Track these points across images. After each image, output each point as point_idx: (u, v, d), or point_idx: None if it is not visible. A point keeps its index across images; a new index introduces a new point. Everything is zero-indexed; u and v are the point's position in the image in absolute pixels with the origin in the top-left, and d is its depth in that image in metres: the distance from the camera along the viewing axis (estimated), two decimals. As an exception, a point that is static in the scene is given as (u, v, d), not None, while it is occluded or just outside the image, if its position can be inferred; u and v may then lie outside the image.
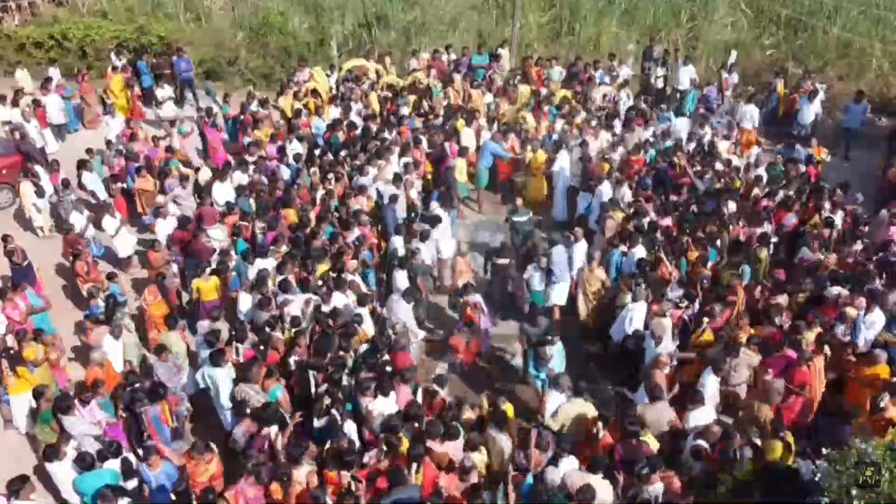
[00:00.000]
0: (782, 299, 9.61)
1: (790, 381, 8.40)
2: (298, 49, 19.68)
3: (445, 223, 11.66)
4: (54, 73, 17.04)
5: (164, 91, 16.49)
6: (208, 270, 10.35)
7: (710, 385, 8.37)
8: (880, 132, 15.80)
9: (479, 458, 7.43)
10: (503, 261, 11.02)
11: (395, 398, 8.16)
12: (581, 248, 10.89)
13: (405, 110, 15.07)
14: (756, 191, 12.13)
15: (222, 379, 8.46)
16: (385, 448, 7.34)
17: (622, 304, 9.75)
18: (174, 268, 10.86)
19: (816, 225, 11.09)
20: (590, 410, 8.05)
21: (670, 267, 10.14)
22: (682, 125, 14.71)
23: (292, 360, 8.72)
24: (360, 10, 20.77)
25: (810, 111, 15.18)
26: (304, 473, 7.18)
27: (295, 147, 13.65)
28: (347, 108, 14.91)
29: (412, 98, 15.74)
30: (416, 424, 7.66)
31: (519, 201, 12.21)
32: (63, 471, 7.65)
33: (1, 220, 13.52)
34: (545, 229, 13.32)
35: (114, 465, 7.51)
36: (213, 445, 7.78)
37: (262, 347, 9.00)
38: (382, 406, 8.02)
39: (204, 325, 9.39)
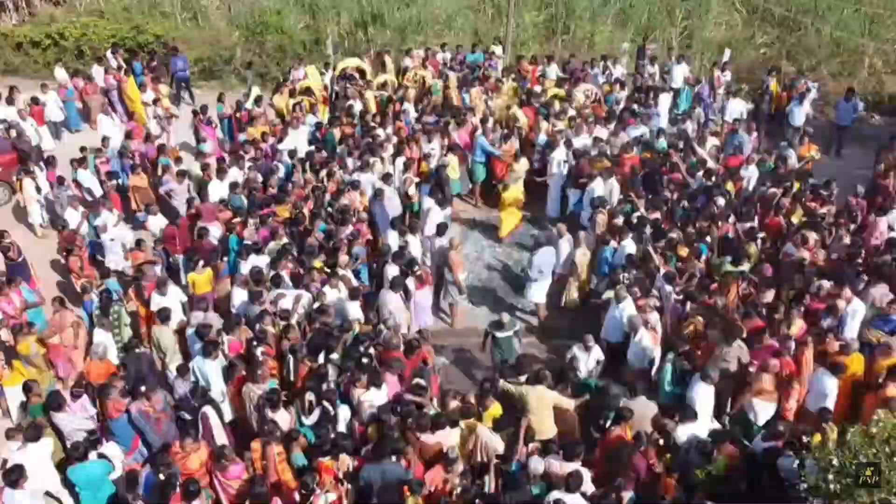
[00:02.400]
0: (770, 294, 9.68)
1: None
2: (294, 48, 19.77)
3: (439, 217, 11.72)
4: (98, 71, 17.17)
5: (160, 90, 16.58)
6: (201, 263, 10.41)
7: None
8: (873, 130, 15.88)
9: (455, 435, 7.51)
10: None
11: (386, 390, 8.24)
12: (567, 241, 10.96)
13: (408, 107, 15.10)
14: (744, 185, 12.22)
15: (213, 371, 8.55)
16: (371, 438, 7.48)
17: (607, 298, 9.82)
18: (157, 269, 10.69)
19: (802, 222, 11.17)
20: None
21: (658, 261, 10.21)
22: (664, 101, 15.11)
23: (258, 350, 8.73)
24: (356, 9, 20.86)
25: (801, 111, 15.24)
26: (285, 420, 7.61)
27: (287, 144, 13.73)
28: (346, 106, 14.98)
29: (412, 94, 15.79)
30: (403, 417, 7.73)
31: (506, 317, 9.68)
32: (40, 455, 7.66)
33: (-3, 217, 13.61)
34: (538, 227, 13.42)
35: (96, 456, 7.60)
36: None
37: (255, 343, 9.07)
38: (374, 397, 8.10)
39: (197, 316, 9.49)
